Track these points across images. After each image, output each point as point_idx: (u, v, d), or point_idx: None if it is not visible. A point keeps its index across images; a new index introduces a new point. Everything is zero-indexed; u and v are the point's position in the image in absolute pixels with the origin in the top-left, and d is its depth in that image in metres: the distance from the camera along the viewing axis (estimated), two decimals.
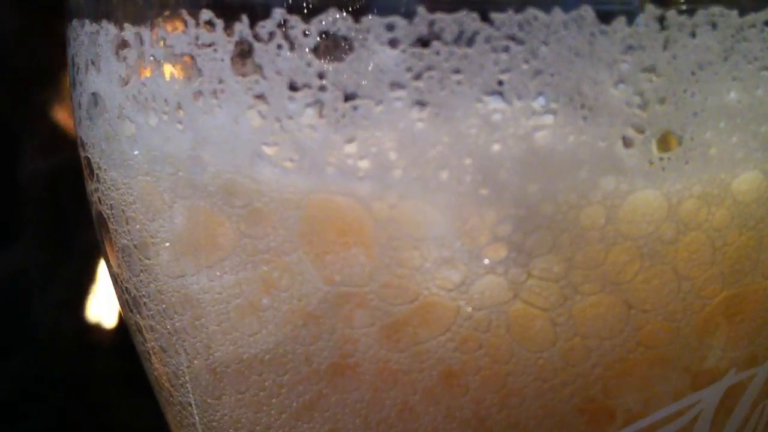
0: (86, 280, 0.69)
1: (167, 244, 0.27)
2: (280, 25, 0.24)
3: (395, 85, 0.23)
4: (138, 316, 0.29)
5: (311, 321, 0.25)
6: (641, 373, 0.25)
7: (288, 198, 0.24)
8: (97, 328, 0.68)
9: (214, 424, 0.28)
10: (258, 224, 0.25)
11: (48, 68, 0.65)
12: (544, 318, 0.24)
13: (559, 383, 0.24)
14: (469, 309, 0.24)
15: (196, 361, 0.27)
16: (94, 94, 0.29)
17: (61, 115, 0.67)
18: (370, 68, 0.24)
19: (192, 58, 0.25)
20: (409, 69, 0.23)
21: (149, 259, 0.27)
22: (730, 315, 0.25)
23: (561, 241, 0.23)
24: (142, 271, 0.28)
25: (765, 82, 0.24)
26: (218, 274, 0.26)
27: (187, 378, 0.28)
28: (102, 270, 0.68)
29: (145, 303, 0.28)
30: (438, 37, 0.23)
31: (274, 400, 0.26)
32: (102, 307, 0.68)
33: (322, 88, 0.24)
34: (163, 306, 0.27)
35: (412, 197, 0.23)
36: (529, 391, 0.24)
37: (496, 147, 0.23)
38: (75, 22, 0.29)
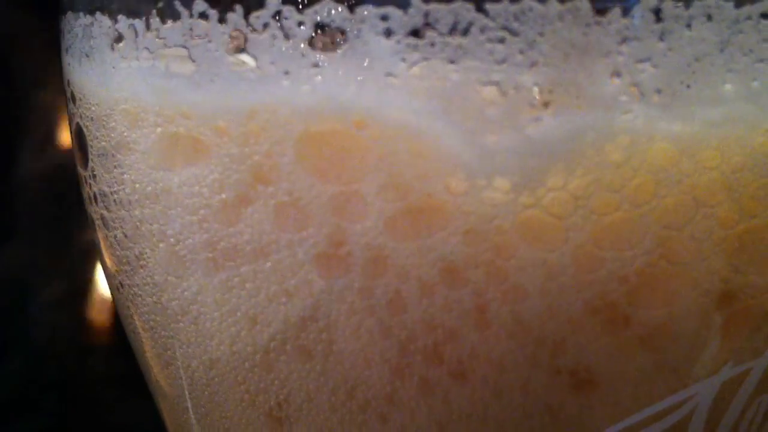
0: (83, 281, 0.69)
1: (148, 148, 0.27)
2: (274, 16, 0.24)
3: (390, 75, 0.23)
4: (104, 209, 0.29)
5: (300, 214, 0.24)
6: (664, 287, 0.25)
7: (283, 125, 0.24)
8: (93, 329, 0.68)
9: (174, 302, 0.27)
10: (250, 137, 0.25)
11: (45, 69, 0.65)
12: (556, 223, 0.24)
13: (568, 284, 0.24)
14: (474, 210, 0.23)
15: (162, 245, 0.27)
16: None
17: (58, 117, 0.67)
18: (364, 59, 0.23)
19: (186, 49, 0.25)
20: (403, 60, 0.23)
21: (125, 157, 0.27)
22: (753, 242, 0.25)
23: (575, 173, 0.23)
24: (115, 167, 0.28)
25: (761, 74, 0.24)
26: (202, 172, 0.25)
27: (149, 260, 0.28)
28: (99, 272, 0.68)
29: (114, 197, 0.28)
30: (433, 28, 0.23)
31: (248, 284, 0.26)
32: (99, 308, 0.68)
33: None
34: (135, 197, 0.27)
35: (412, 135, 0.24)
36: (534, 288, 0.24)
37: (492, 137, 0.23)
38: (69, 15, 0.29)
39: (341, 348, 0.25)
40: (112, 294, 0.33)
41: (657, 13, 0.23)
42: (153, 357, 0.31)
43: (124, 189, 0.28)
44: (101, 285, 0.68)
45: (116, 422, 0.66)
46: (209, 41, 0.25)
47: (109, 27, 0.27)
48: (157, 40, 0.26)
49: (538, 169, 0.23)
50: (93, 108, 0.28)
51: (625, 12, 0.23)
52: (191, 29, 0.25)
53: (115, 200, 0.28)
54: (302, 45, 0.24)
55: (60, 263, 0.68)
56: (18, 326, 0.67)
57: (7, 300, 0.67)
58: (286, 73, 0.24)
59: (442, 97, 0.23)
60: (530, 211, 0.23)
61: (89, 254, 0.68)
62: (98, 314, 0.68)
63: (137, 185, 0.27)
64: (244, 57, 0.24)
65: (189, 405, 0.29)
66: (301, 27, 0.24)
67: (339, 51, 0.23)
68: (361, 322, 0.25)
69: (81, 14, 0.28)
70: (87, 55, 0.28)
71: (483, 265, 0.24)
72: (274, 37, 0.24)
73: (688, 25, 0.24)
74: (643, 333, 0.25)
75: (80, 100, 0.29)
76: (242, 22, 0.24)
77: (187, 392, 0.29)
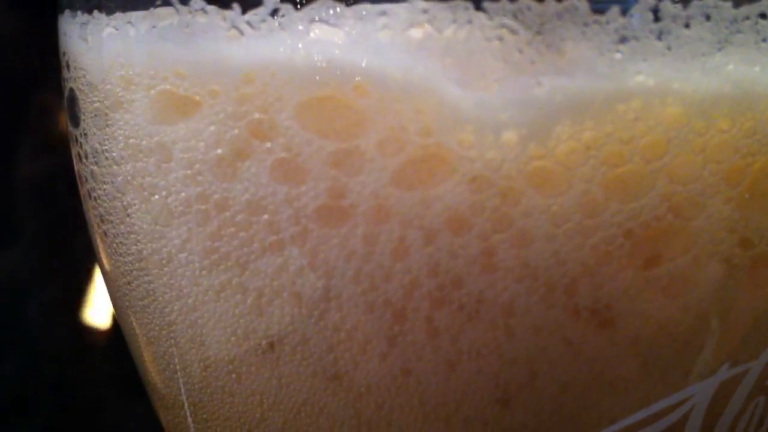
0: (81, 283, 0.69)
1: (143, 106, 0.26)
2: (272, 14, 0.24)
3: (391, 37, 0.23)
4: (94, 164, 0.29)
5: (298, 170, 0.24)
6: (673, 240, 0.25)
7: (281, 88, 0.24)
8: (91, 331, 0.68)
9: (165, 250, 0.27)
10: (247, 98, 0.25)
11: (45, 71, 0.65)
12: (562, 171, 0.24)
13: (573, 230, 0.24)
14: (480, 158, 0.23)
15: (154, 197, 0.27)
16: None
17: (57, 118, 0.67)
18: (363, 57, 0.23)
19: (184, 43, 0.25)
20: (401, 57, 0.23)
21: (120, 115, 0.27)
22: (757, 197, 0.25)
23: (584, 128, 0.23)
24: (108, 125, 0.28)
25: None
26: (198, 126, 0.25)
27: (136, 211, 0.28)
28: (97, 274, 0.68)
29: (106, 154, 0.28)
30: (431, 26, 0.23)
31: (241, 233, 0.25)
32: (96, 310, 0.68)
33: None
34: (128, 152, 0.27)
35: (414, 94, 0.24)
36: (540, 233, 0.24)
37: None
38: (67, 13, 0.29)
39: (340, 293, 0.25)
40: (94, 246, 0.33)
41: (655, 13, 0.23)
42: (132, 303, 0.30)
43: (117, 145, 0.28)
44: (99, 287, 0.68)
45: (113, 423, 0.66)
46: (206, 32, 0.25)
47: (107, 25, 0.27)
48: (156, 38, 0.26)
49: (546, 123, 0.23)
50: (88, 76, 0.28)
51: (624, 11, 0.23)
52: (188, 26, 0.25)
53: (106, 156, 0.28)
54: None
55: (58, 265, 0.68)
56: (16, 328, 0.67)
57: (5, 302, 0.67)
58: (284, 38, 0.24)
59: (446, 56, 0.23)
60: (539, 161, 0.23)
61: (87, 256, 0.68)
62: (96, 316, 0.68)
63: (131, 140, 0.27)
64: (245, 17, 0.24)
65: (172, 345, 0.29)
66: (299, 24, 0.24)
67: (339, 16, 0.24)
68: (361, 267, 0.24)
69: (79, 12, 0.28)
70: (83, 33, 0.28)
71: (489, 211, 0.24)
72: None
73: (687, 25, 0.24)
74: (661, 279, 0.25)
75: (75, 69, 0.29)
76: (240, 18, 0.24)
77: (166, 334, 0.29)
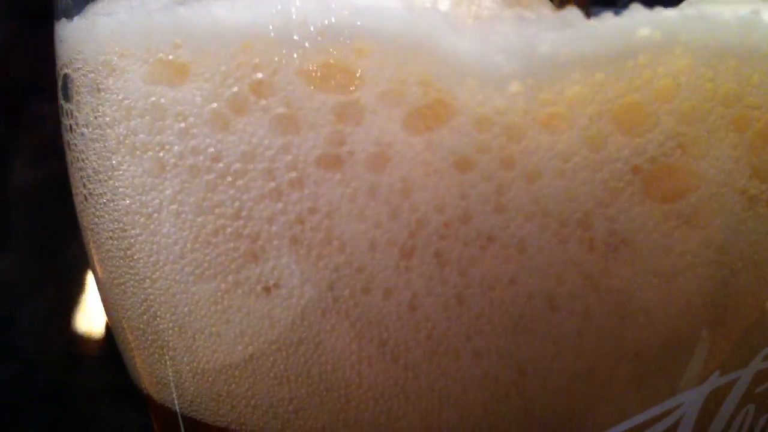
0: (73, 291, 0.69)
1: (139, 72, 0.26)
2: None
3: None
4: (85, 127, 0.29)
5: (299, 123, 0.24)
6: (681, 177, 0.25)
7: (279, 52, 0.24)
8: (83, 340, 0.68)
9: (155, 202, 0.27)
10: (245, 61, 0.25)
11: (38, 80, 0.65)
12: (567, 113, 0.24)
13: (581, 165, 0.24)
14: (485, 104, 0.23)
15: (148, 154, 0.27)
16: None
17: (50, 127, 0.67)
18: (363, 18, 0.24)
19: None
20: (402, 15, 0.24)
21: (114, 81, 0.27)
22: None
23: (594, 80, 0.24)
24: (101, 90, 0.28)
25: None
26: (194, 85, 0.25)
27: (128, 168, 0.28)
28: (90, 282, 0.68)
29: (99, 119, 0.28)
30: None
31: (238, 182, 0.25)
32: (89, 318, 0.68)
33: None
34: (122, 113, 0.27)
35: (414, 47, 0.24)
36: (547, 168, 0.24)
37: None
38: (63, 21, 0.29)
39: (342, 233, 0.25)
40: (77, 211, 0.32)
41: None
42: (114, 254, 0.30)
43: (110, 108, 0.28)
44: (92, 295, 0.68)
45: (106, 431, 0.66)
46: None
47: (102, 6, 0.27)
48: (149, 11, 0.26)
49: (552, 73, 0.23)
50: (85, 51, 0.28)
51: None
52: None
53: (98, 119, 0.28)
54: None
55: (51, 274, 0.68)
56: (8, 335, 0.67)
57: None
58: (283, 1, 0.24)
59: (448, 14, 0.24)
60: (546, 107, 0.23)
61: (80, 264, 0.68)
62: (88, 324, 0.68)
63: (125, 102, 0.27)
64: None
65: (155, 292, 0.29)
66: None
67: None
68: (366, 205, 0.24)
69: (75, 19, 0.29)
70: (80, 18, 0.29)
71: (496, 149, 0.24)
72: None
73: None
74: (679, 212, 0.25)
75: (70, 56, 0.30)
76: None
77: (150, 284, 0.28)
